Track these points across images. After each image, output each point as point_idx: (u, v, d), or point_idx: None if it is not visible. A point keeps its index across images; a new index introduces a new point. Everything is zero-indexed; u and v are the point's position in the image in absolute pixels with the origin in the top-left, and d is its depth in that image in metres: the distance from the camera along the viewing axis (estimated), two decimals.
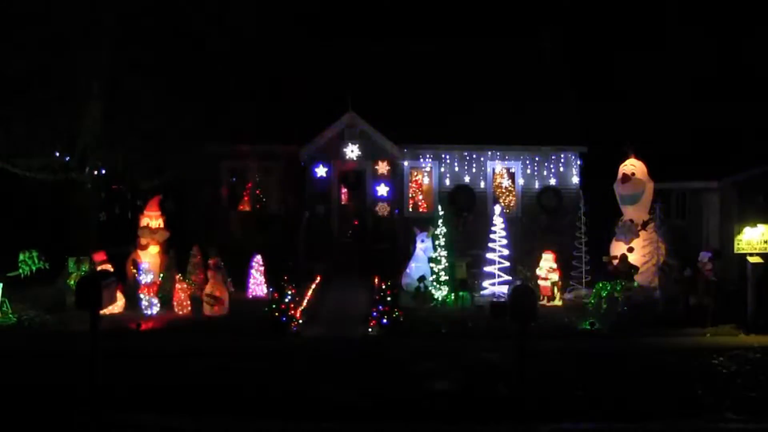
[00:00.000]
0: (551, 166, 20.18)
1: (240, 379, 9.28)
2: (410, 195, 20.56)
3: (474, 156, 20.16)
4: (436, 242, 15.34)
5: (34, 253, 13.70)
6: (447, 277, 15.09)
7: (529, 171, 20.26)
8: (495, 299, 14.56)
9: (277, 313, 12.13)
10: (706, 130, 22.48)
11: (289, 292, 12.42)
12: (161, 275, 14.97)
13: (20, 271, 13.64)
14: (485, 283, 15.49)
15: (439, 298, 14.92)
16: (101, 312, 8.18)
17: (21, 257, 13.72)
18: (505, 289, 14.97)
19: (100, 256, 14.35)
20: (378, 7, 28.13)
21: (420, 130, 19.68)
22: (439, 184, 20.20)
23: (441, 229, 15.32)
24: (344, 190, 20.22)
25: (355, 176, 19.92)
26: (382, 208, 19.36)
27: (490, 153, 20.17)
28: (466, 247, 16.75)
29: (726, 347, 11.00)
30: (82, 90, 16.54)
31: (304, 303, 13.43)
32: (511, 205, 20.44)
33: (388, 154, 19.35)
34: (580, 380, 9.24)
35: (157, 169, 17.71)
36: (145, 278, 13.85)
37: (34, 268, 13.62)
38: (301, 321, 12.53)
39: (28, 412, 7.98)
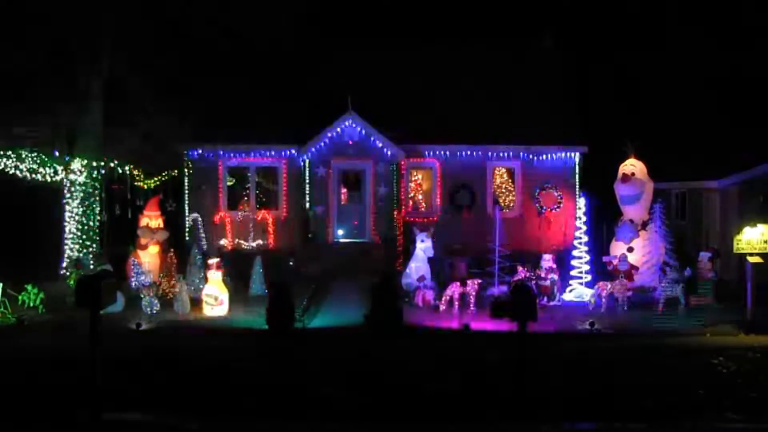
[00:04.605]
0: (551, 165, 20.17)
1: (240, 378, 9.28)
2: (410, 195, 20.56)
3: (474, 156, 20.14)
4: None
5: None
6: None
7: (528, 170, 20.24)
8: (495, 298, 14.55)
9: (277, 314, 12.11)
10: (707, 130, 22.48)
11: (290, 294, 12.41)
12: (161, 275, 14.98)
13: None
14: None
15: None
16: (101, 312, 8.17)
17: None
18: (504, 288, 14.96)
19: (99, 256, 14.37)
20: (378, 6, 28.12)
21: (420, 130, 19.64)
22: (439, 184, 20.19)
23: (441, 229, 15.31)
24: (344, 190, 20.21)
25: (355, 176, 19.91)
26: (382, 208, 19.34)
27: (490, 152, 20.14)
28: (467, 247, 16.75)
29: (726, 347, 10.99)
30: (82, 90, 16.57)
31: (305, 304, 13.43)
32: (511, 204, 20.47)
33: (388, 154, 19.32)
34: (580, 380, 9.24)
35: (156, 169, 17.73)
36: (145, 278, 13.85)
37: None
38: (301, 321, 12.53)
39: (29, 412, 7.97)
